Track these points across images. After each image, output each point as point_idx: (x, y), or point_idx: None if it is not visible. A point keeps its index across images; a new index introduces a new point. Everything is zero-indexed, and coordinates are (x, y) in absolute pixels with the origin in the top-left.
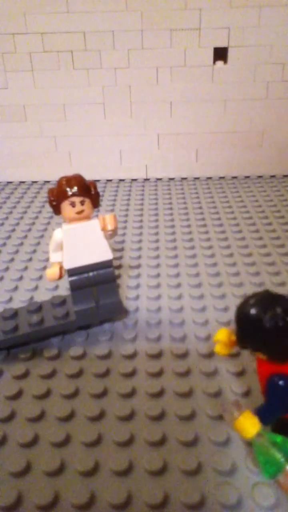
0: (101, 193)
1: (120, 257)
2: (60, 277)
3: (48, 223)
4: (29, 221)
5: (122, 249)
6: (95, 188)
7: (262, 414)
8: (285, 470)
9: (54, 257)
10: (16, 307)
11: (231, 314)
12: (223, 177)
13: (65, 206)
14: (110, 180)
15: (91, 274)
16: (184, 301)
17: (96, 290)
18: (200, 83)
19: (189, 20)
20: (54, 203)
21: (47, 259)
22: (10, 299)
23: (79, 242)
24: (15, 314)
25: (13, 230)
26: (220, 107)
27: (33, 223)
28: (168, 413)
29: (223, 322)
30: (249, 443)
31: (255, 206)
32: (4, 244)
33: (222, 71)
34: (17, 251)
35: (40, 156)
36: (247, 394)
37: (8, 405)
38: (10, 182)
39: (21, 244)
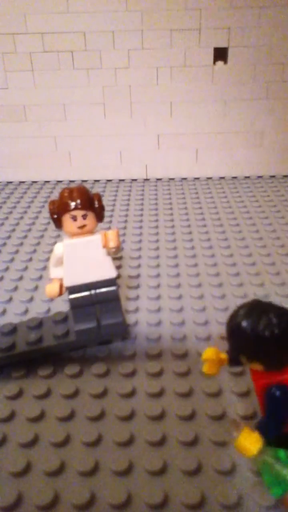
0: (101, 193)
1: (120, 257)
2: (60, 294)
3: (48, 223)
4: (29, 221)
5: (122, 249)
6: (100, 201)
7: (264, 428)
8: None
9: (54, 272)
10: (16, 322)
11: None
12: (223, 177)
13: (66, 220)
14: (110, 180)
15: (92, 292)
16: (184, 301)
17: (98, 309)
18: (200, 83)
19: (189, 20)
20: (55, 216)
21: (47, 259)
22: (10, 299)
23: (81, 258)
24: (14, 329)
25: (13, 230)
26: (220, 107)
27: (33, 223)
28: (168, 413)
29: (223, 322)
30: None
31: (255, 206)
32: (4, 244)
33: (222, 71)
34: (17, 251)
35: (40, 156)
36: (247, 394)
37: (8, 406)
38: (10, 182)
39: (21, 244)
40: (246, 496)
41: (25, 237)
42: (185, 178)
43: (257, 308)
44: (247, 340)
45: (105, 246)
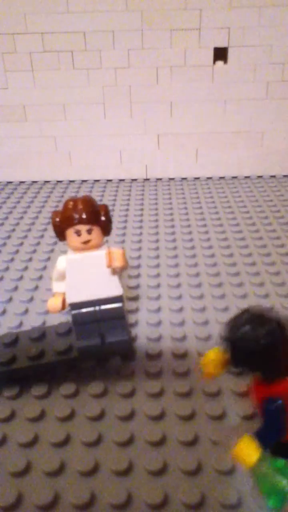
0: (101, 193)
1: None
2: (63, 309)
3: (48, 223)
4: (29, 221)
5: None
6: (106, 213)
7: (261, 438)
8: None
9: (57, 287)
10: (18, 331)
11: (231, 314)
12: (223, 177)
13: (70, 234)
14: (110, 180)
15: (97, 308)
16: (184, 301)
17: (103, 326)
18: (200, 83)
19: (189, 20)
20: (58, 228)
21: (47, 259)
22: (10, 299)
23: (84, 274)
24: (15, 340)
25: (13, 230)
26: (220, 107)
27: (33, 223)
28: (168, 413)
29: (223, 322)
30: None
31: (255, 206)
32: (4, 244)
33: (222, 71)
34: (17, 251)
35: (40, 156)
36: (247, 394)
37: (9, 406)
38: (10, 182)
39: (21, 244)
40: (246, 496)
41: (25, 237)
42: (185, 178)
43: (255, 316)
44: (246, 349)
45: (109, 265)
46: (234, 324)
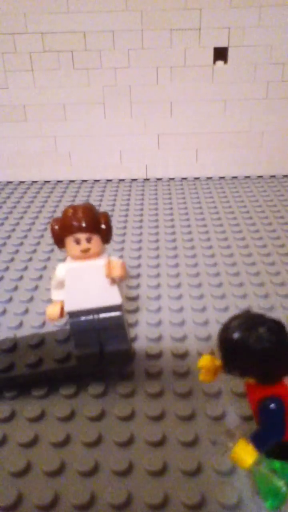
0: (101, 193)
1: (120, 257)
2: (61, 316)
3: (48, 223)
4: (29, 221)
5: (122, 249)
6: (107, 222)
7: (258, 440)
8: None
9: (55, 295)
10: (17, 338)
11: (231, 314)
12: (223, 177)
13: (69, 242)
14: (110, 180)
15: (95, 317)
16: (184, 301)
17: (102, 335)
18: (200, 83)
19: (189, 20)
20: (57, 236)
21: (47, 259)
22: (10, 299)
23: (83, 283)
24: (14, 346)
25: (13, 230)
26: (220, 107)
27: (33, 223)
28: (168, 413)
29: (223, 322)
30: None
31: (255, 206)
32: (4, 244)
33: (222, 71)
34: (17, 251)
35: (40, 156)
36: (246, 394)
37: (9, 406)
38: (10, 182)
39: (21, 244)
40: (246, 496)
41: (25, 237)
42: (185, 178)
43: (249, 320)
44: (238, 355)
45: (107, 275)
46: (228, 328)
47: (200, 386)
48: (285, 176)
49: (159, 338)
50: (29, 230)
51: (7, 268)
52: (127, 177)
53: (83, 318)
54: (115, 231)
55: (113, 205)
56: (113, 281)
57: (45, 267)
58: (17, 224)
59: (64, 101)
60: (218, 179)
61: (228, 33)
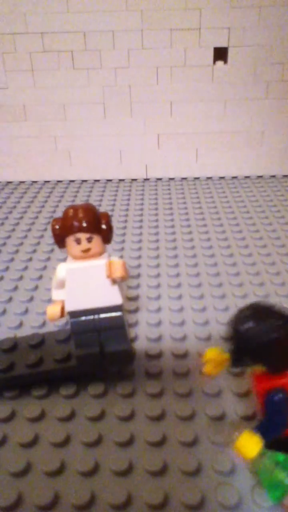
0: (101, 193)
1: (120, 257)
2: (62, 316)
3: (48, 223)
4: (29, 221)
5: (122, 249)
6: (107, 222)
7: (263, 431)
8: None
9: (56, 294)
10: (17, 337)
11: (231, 314)
12: (223, 177)
13: (70, 242)
14: (110, 180)
15: (96, 317)
16: (184, 301)
17: (102, 335)
18: (200, 83)
19: (189, 20)
20: (58, 236)
21: (47, 259)
22: (10, 299)
23: (84, 283)
24: (14, 346)
25: (13, 230)
26: (220, 107)
27: (33, 223)
28: (168, 413)
29: (223, 322)
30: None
31: (255, 206)
32: (4, 244)
33: (222, 71)
34: (17, 251)
35: (40, 156)
36: (247, 394)
37: (9, 406)
38: (10, 182)
39: (21, 244)
40: (246, 496)
41: (25, 237)
42: (185, 178)
43: (260, 311)
44: (251, 343)
45: (108, 276)
46: (239, 319)
47: (200, 386)
48: (285, 176)
49: (159, 338)
50: (29, 230)
51: (7, 268)
52: (127, 177)
53: (83, 318)
54: (115, 231)
55: (113, 205)
56: (114, 281)
57: (45, 267)
58: (17, 224)
59: (64, 101)
60: (218, 179)
61: (228, 33)
